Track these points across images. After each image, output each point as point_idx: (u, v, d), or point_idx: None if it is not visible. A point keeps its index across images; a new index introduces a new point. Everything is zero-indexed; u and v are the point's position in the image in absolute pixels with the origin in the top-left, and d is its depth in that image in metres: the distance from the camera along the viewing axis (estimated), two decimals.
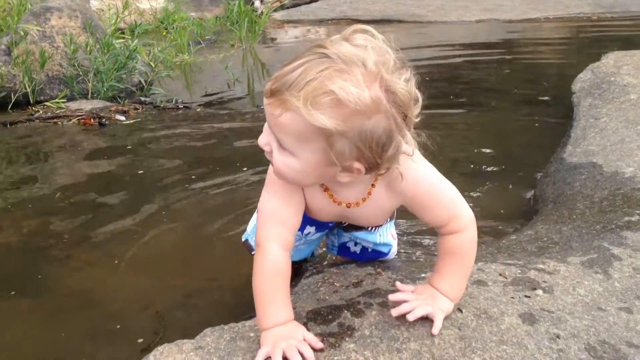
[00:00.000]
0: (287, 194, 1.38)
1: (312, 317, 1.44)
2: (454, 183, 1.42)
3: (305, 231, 1.65)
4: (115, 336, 1.82)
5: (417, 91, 1.18)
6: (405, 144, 1.22)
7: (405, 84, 1.14)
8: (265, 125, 1.22)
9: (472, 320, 1.38)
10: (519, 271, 1.62)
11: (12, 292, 2.12)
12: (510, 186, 2.79)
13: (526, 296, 1.49)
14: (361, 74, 1.10)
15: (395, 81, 1.13)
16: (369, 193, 1.39)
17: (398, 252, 1.91)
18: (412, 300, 1.36)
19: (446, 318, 1.37)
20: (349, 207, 1.42)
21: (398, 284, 1.46)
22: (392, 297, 1.39)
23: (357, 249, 1.83)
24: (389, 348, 1.29)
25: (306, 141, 1.15)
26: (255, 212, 1.77)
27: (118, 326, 1.87)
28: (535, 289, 1.53)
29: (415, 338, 1.32)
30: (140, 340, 1.78)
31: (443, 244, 1.42)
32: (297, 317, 1.39)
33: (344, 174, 1.22)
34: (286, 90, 1.11)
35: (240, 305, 1.89)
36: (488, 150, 3.28)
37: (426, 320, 1.35)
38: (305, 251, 1.84)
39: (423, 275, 1.64)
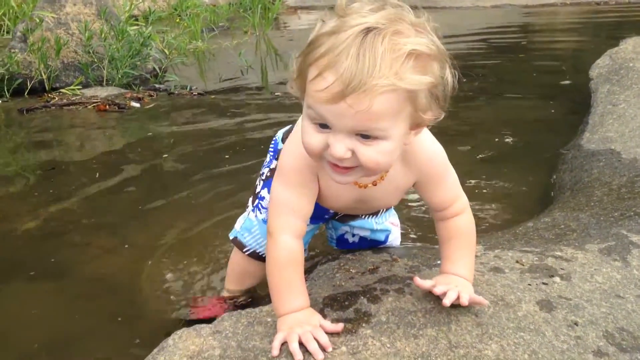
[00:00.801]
0: (300, 183, 1.37)
1: (328, 303, 1.44)
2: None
3: None
4: (134, 320, 1.84)
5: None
6: None
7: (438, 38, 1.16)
8: (333, 134, 1.14)
9: (489, 307, 1.37)
10: (536, 258, 1.61)
11: (33, 276, 2.15)
12: (527, 173, 2.77)
13: (543, 283, 1.48)
14: (408, 28, 1.10)
15: (431, 38, 1.13)
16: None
17: (414, 239, 1.92)
18: (452, 287, 1.33)
19: (462, 305, 1.37)
20: (375, 185, 1.41)
21: (416, 279, 1.38)
22: (437, 289, 1.33)
23: (355, 239, 1.84)
24: (406, 334, 1.30)
25: (399, 114, 1.12)
26: (250, 207, 1.77)
27: (137, 310, 1.90)
28: (552, 276, 1.52)
29: (432, 324, 1.32)
30: (158, 325, 1.80)
31: (447, 228, 1.44)
32: (314, 303, 1.40)
33: (414, 131, 1.21)
34: (367, 78, 1.04)
35: (258, 290, 1.90)
36: (505, 137, 3.26)
37: (442, 306, 1.35)
38: None
39: (439, 262, 1.64)
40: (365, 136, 1.12)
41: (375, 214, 1.75)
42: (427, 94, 1.12)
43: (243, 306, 1.77)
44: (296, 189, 1.36)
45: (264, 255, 1.65)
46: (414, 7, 1.16)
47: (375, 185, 1.41)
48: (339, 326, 1.30)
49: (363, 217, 1.74)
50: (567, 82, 4.25)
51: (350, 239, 1.85)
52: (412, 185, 1.45)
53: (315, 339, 1.25)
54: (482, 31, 6.65)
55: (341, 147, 1.13)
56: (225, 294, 1.89)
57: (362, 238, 1.83)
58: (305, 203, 1.38)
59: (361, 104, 1.06)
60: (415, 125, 1.18)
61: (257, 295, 1.85)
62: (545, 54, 5.30)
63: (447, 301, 1.30)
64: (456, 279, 1.39)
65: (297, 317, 1.31)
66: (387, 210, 1.77)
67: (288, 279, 1.35)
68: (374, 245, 1.83)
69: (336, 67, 1.06)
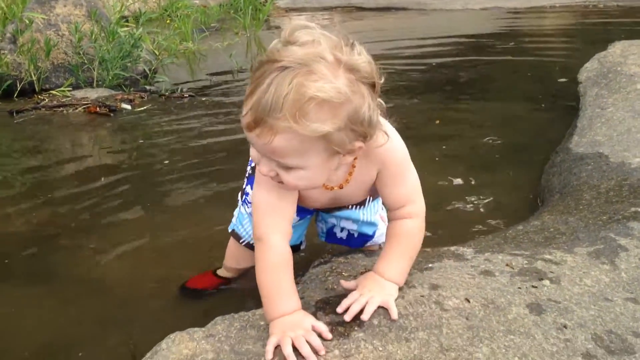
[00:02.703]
0: (279, 186, 1.38)
1: (321, 307, 1.45)
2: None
3: None
4: (126, 323, 1.84)
5: (369, 57, 1.20)
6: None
7: (361, 56, 1.17)
8: (256, 153, 1.24)
9: (480, 310, 1.39)
10: (526, 262, 1.63)
11: (24, 280, 2.15)
12: (517, 176, 2.79)
13: (533, 286, 1.50)
14: (325, 68, 1.12)
15: (354, 59, 1.15)
16: (353, 167, 1.41)
17: None
18: (359, 298, 1.38)
19: (453, 308, 1.38)
20: (341, 188, 1.45)
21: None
22: (339, 308, 1.38)
23: (343, 235, 1.88)
24: (398, 337, 1.31)
25: (308, 151, 1.18)
26: (240, 202, 1.86)
27: (128, 314, 1.89)
28: (542, 279, 1.54)
29: (423, 327, 1.33)
30: (150, 328, 1.80)
31: (394, 228, 1.48)
32: (306, 307, 1.41)
33: (348, 156, 1.25)
34: (268, 115, 1.11)
35: (249, 294, 1.91)
36: (493, 140, 3.28)
37: (435, 310, 1.37)
38: (292, 238, 1.85)
39: (430, 265, 1.65)
40: (282, 165, 1.21)
41: (361, 204, 1.76)
42: (344, 130, 1.16)
43: (234, 285, 1.98)
44: (276, 191, 1.39)
45: None
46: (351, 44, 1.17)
47: (342, 188, 1.45)
48: (329, 334, 1.32)
49: (350, 207, 1.76)
50: (555, 85, 4.29)
51: (339, 234, 1.88)
52: (374, 179, 1.48)
53: (308, 342, 1.26)
54: (471, 34, 6.69)
55: (263, 167, 1.24)
56: (221, 272, 2.03)
57: (350, 234, 1.86)
58: (286, 204, 1.42)
59: (264, 138, 1.14)
60: (346, 152, 1.23)
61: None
62: (534, 58, 5.34)
63: (347, 317, 1.34)
64: (378, 280, 1.42)
65: (290, 320, 1.32)
66: (374, 199, 1.78)
67: (279, 282, 1.36)
68: (362, 240, 1.87)
69: (252, 98, 1.13)
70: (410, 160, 1.46)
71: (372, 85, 1.19)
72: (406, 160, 1.45)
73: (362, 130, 1.19)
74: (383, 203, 1.65)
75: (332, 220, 1.85)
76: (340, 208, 1.76)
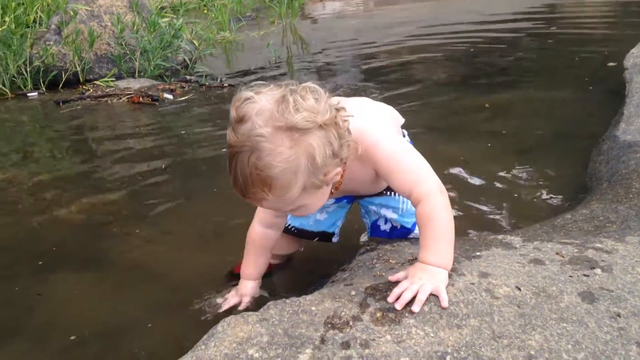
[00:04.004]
0: None
1: (371, 293, 1.47)
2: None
3: None
4: (179, 308, 1.89)
5: (313, 96, 1.31)
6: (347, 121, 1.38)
7: (299, 112, 1.27)
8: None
9: (531, 298, 1.39)
10: (576, 250, 1.62)
11: (78, 266, 2.23)
12: (562, 164, 2.75)
13: (585, 275, 1.49)
14: (267, 143, 1.25)
15: (290, 120, 1.26)
16: (344, 171, 1.47)
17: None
18: (410, 286, 1.39)
19: (504, 296, 1.39)
20: (337, 189, 1.56)
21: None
22: (390, 298, 1.40)
23: (387, 228, 1.90)
24: (449, 324, 1.32)
25: (297, 198, 1.35)
26: None
27: (180, 298, 1.94)
28: (593, 267, 1.53)
29: (475, 315, 1.34)
30: (202, 312, 1.85)
31: (417, 215, 1.49)
32: (356, 292, 1.44)
33: (336, 177, 1.41)
34: (246, 191, 1.32)
35: (295, 279, 1.95)
36: (537, 128, 3.23)
37: (485, 297, 1.38)
38: (325, 222, 1.93)
39: (478, 253, 1.66)
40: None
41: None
42: (315, 171, 1.32)
43: (280, 270, 2.10)
44: None
45: (290, 227, 1.95)
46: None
47: (337, 189, 1.56)
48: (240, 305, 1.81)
49: (386, 193, 1.81)
50: (600, 72, 4.19)
51: (382, 226, 1.91)
52: (375, 173, 1.55)
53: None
54: (507, 18, 6.56)
55: (272, 213, 1.66)
56: None
57: (392, 226, 1.88)
58: None
59: (257, 202, 1.38)
60: (329, 181, 1.39)
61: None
62: (575, 42, 5.21)
63: (398, 305, 1.37)
64: (425, 268, 1.43)
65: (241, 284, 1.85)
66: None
67: (247, 252, 1.83)
68: (404, 233, 1.88)
69: (230, 177, 1.34)
70: (400, 144, 1.52)
71: (322, 123, 1.29)
72: (395, 149, 1.50)
73: (332, 159, 1.33)
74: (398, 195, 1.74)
75: (374, 208, 1.87)
76: (375, 195, 1.82)
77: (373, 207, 1.88)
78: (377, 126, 1.54)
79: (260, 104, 1.28)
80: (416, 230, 1.87)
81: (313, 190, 1.37)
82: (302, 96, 1.29)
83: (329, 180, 1.39)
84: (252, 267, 1.84)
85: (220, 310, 1.81)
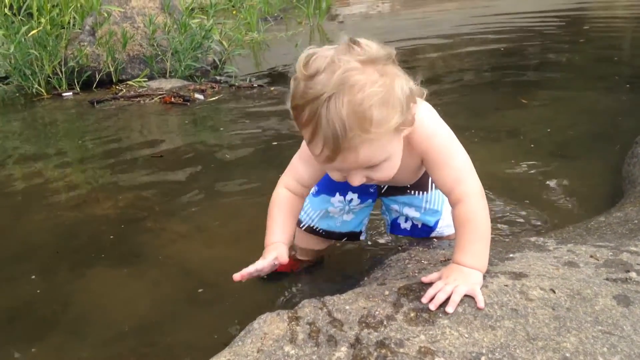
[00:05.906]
0: (308, 160, 1.59)
1: (404, 293, 1.48)
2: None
3: (348, 197, 1.82)
4: (213, 303, 1.93)
5: (375, 41, 1.29)
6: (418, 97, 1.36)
7: (370, 47, 1.25)
8: (339, 174, 1.38)
9: (566, 301, 1.39)
10: (611, 253, 1.61)
11: (113, 261, 2.28)
12: (596, 166, 2.73)
13: (619, 278, 1.49)
14: (357, 75, 1.20)
15: (368, 52, 1.23)
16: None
17: None
18: (444, 287, 1.39)
19: (539, 298, 1.39)
20: None
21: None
22: (424, 298, 1.40)
23: (407, 226, 1.92)
24: (483, 325, 1.33)
25: (386, 144, 1.30)
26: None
27: (214, 295, 1.98)
28: (628, 271, 1.52)
29: (509, 316, 1.35)
30: (236, 308, 1.88)
31: (455, 215, 1.48)
32: (390, 292, 1.45)
33: (406, 129, 1.37)
34: (343, 142, 1.21)
35: (328, 277, 1.97)
36: (571, 128, 3.20)
37: (520, 299, 1.38)
38: (352, 222, 1.93)
39: (511, 255, 1.66)
40: (370, 165, 1.32)
41: (423, 190, 1.81)
42: (401, 109, 1.26)
43: (313, 268, 2.09)
44: (304, 162, 1.63)
45: (318, 229, 1.93)
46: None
47: None
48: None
49: (411, 192, 1.80)
50: (630, 72, 4.13)
51: (403, 225, 1.92)
52: (421, 162, 1.55)
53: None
54: (537, 17, 6.48)
55: (357, 179, 1.36)
56: (299, 256, 2.11)
57: (413, 225, 1.90)
58: (307, 173, 1.65)
59: (349, 158, 1.26)
60: (409, 124, 1.34)
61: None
62: (606, 42, 5.13)
63: (432, 306, 1.37)
64: (461, 269, 1.43)
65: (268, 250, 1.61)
66: (436, 188, 1.81)
67: (272, 217, 1.67)
68: (425, 231, 1.89)
69: (319, 135, 1.23)
70: (455, 141, 1.49)
71: (393, 61, 1.28)
72: (449, 145, 1.49)
73: (410, 98, 1.30)
74: (437, 188, 1.70)
75: (395, 207, 1.89)
76: (402, 192, 1.81)
77: (395, 206, 1.89)
78: (436, 118, 1.51)
79: (329, 54, 1.23)
80: (438, 229, 1.89)
81: (399, 136, 1.34)
82: (364, 42, 1.28)
83: (412, 122, 1.34)
84: (279, 231, 1.64)
85: (246, 272, 1.57)
